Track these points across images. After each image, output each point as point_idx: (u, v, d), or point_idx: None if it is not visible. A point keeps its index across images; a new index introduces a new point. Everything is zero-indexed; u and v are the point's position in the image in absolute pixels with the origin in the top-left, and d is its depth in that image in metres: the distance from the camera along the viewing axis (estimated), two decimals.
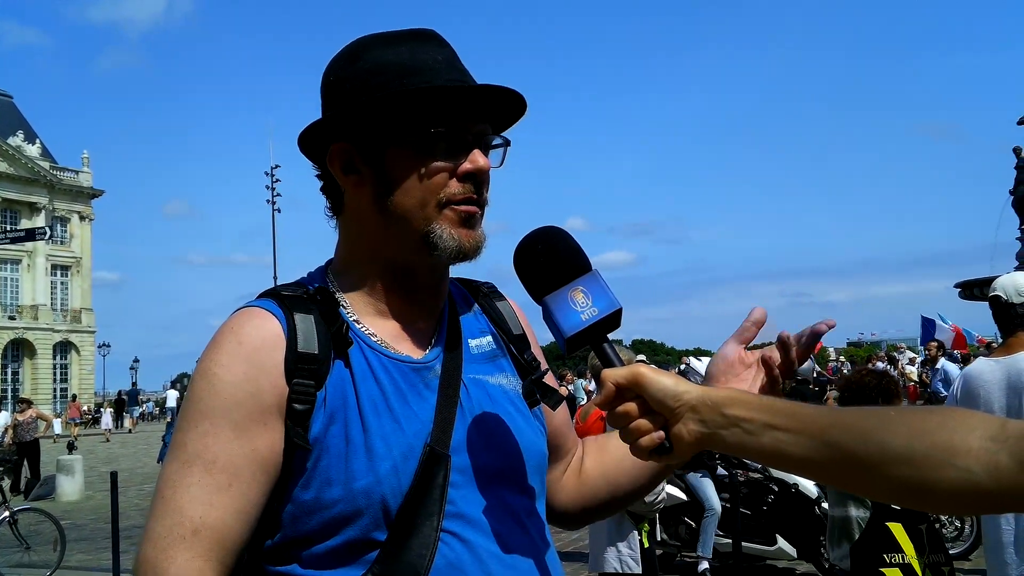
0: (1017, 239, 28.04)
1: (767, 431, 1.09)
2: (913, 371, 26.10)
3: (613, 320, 1.25)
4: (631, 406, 1.16)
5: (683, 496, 7.58)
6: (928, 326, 27.45)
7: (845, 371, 31.93)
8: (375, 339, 1.33)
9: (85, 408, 53.62)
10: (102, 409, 45.42)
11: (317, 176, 1.43)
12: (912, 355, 30.09)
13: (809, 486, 7.69)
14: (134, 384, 61.33)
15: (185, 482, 1.22)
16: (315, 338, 1.28)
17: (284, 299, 1.32)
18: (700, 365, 5.93)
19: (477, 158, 1.32)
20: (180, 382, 69.53)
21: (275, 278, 43.27)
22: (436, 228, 1.31)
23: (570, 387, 26.31)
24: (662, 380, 1.15)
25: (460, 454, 1.30)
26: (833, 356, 43.13)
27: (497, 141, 1.39)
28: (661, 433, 1.15)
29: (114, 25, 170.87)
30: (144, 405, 56.42)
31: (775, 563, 8.13)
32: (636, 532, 4.86)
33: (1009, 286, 4.01)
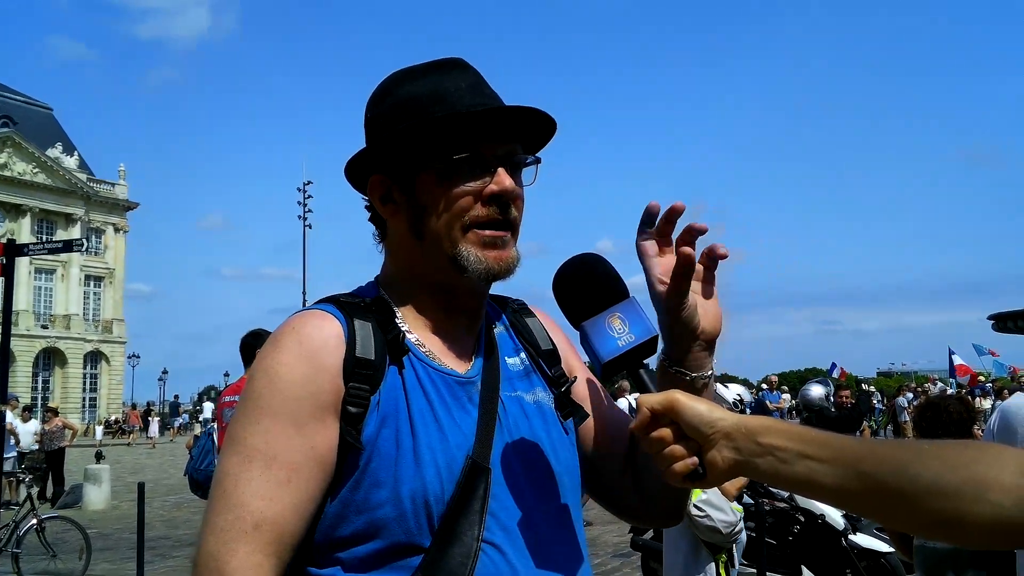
0: None
1: (801, 460, 1.10)
2: None
3: (649, 346, 1.27)
4: (666, 432, 1.17)
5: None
6: (952, 358, 27.20)
7: (875, 401, 31.57)
8: (423, 351, 1.38)
9: (113, 419, 54.21)
10: (149, 418, 45.91)
11: (366, 207, 1.49)
12: (943, 387, 29.72)
13: (836, 517, 7.60)
14: (176, 397, 62.16)
15: (246, 476, 1.24)
16: (372, 344, 1.32)
17: (344, 305, 1.37)
18: (726, 392, 5.91)
19: (502, 179, 1.35)
20: (208, 394, 70.16)
21: (304, 292, 43.58)
22: (462, 251, 1.35)
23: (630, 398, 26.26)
24: (697, 407, 1.16)
25: (498, 468, 1.33)
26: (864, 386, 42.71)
27: (527, 160, 1.42)
28: (695, 459, 1.16)
29: (160, 42, 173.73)
30: (182, 416, 56.94)
31: None
32: (714, 563, 4.81)
33: None
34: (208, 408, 43.13)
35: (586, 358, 1.34)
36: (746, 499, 7.79)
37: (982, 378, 27.97)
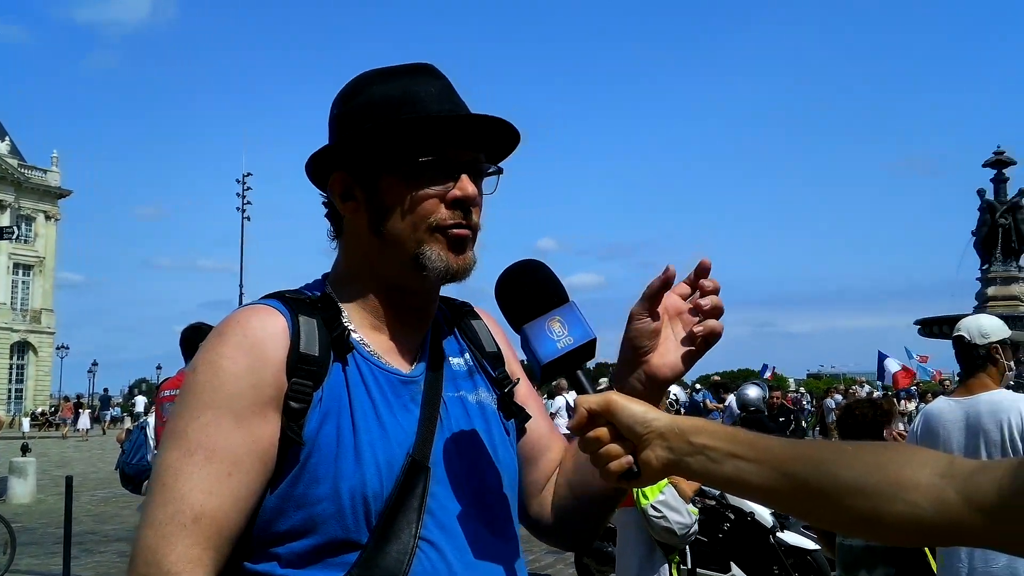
0: (977, 279, 28.67)
1: (730, 460, 1.15)
2: None
3: (588, 350, 1.31)
4: (602, 431, 1.21)
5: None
6: (881, 361, 27.90)
7: (805, 403, 32.25)
8: (368, 350, 1.39)
9: (40, 411, 52.77)
10: (80, 411, 44.77)
11: (323, 203, 1.50)
12: (870, 388, 30.51)
13: (765, 515, 7.77)
14: (106, 390, 60.65)
15: (187, 470, 1.24)
16: (316, 341, 1.33)
17: (289, 301, 1.38)
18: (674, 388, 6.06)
19: (466, 185, 1.38)
20: (139, 388, 68.69)
21: (241, 286, 42.94)
22: (426, 250, 1.37)
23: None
24: (632, 407, 1.20)
25: (438, 467, 1.35)
26: (793, 387, 43.57)
27: (489, 169, 1.45)
28: (630, 458, 1.20)
29: (98, 26, 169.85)
30: (114, 409, 55.64)
31: None
32: (667, 564, 4.89)
33: (973, 328, 4.12)
34: (140, 402, 42.27)
35: (524, 358, 1.37)
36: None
37: (917, 385, 28.75)
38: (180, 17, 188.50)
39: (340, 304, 1.42)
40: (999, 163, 28.41)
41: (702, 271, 1.37)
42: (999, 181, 28.39)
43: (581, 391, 1.27)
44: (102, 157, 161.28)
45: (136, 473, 6.40)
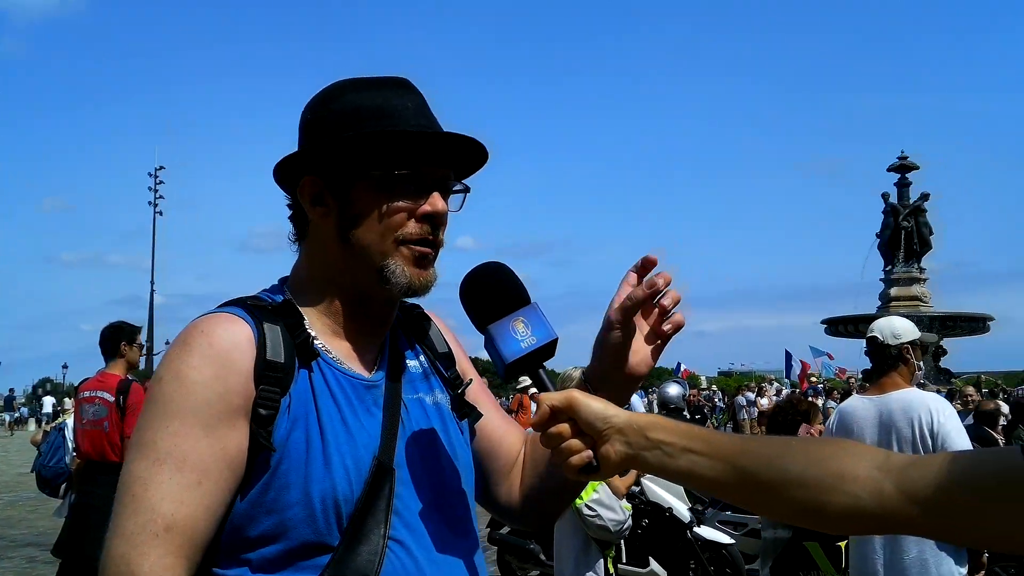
0: (881, 280, 29.81)
1: (685, 454, 1.23)
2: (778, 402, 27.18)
3: (549, 349, 1.37)
4: (564, 427, 1.27)
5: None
6: (789, 360, 28.79)
7: (717, 400, 32.99)
8: (331, 356, 1.42)
9: None
10: None
11: (287, 205, 1.51)
12: (779, 387, 31.37)
13: (682, 511, 7.96)
14: (11, 390, 58.32)
15: (156, 480, 1.25)
16: (282, 348, 1.35)
17: (252, 308, 1.39)
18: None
19: (436, 201, 1.42)
20: (44, 387, 66.29)
21: (152, 282, 41.77)
22: (391, 264, 1.40)
23: None
24: (593, 404, 1.27)
25: (402, 468, 1.40)
26: (705, 384, 44.51)
27: (457, 187, 1.49)
28: (590, 453, 1.26)
29: (3, 13, 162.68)
30: (20, 410, 53.45)
31: None
32: (603, 559, 5.00)
33: (886, 328, 4.32)
34: (48, 402, 40.75)
35: (487, 357, 1.42)
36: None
37: (814, 379, 29.68)
38: (91, 7, 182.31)
39: (301, 310, 1.44)
40: (903, 167, 29.60)
41: (648, 265, 1.44)
42: (902, 185, 29.58)
43: (543, 388, 1.33)
44: (7, 149, 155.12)
45: (53, 476, 6.23)
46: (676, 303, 1.44)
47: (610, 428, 1.26)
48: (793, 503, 1.18)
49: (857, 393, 4.64)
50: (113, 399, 5.83)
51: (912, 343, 4.30)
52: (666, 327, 1.45)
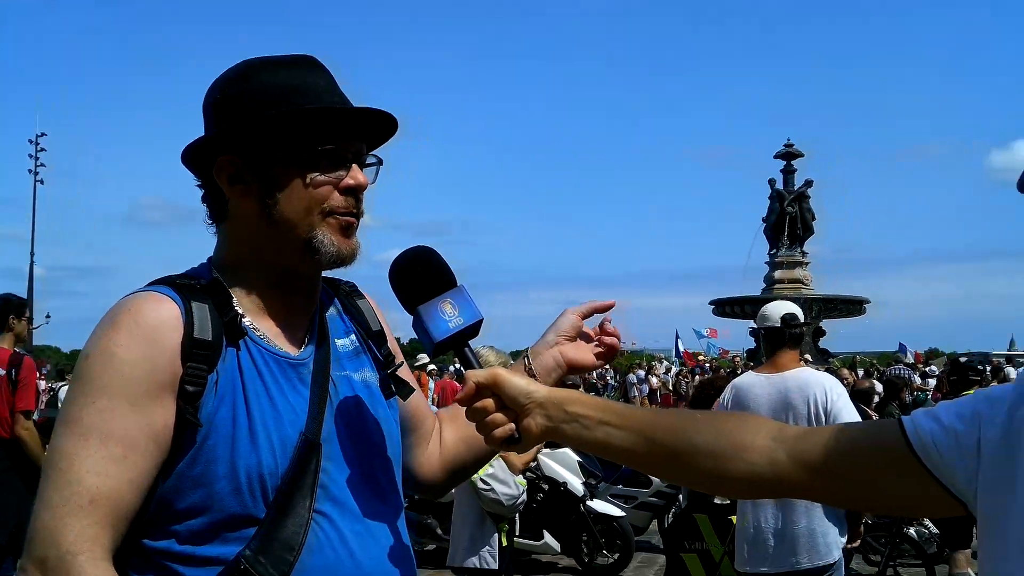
0: (766, 263, 30.85)
1: (600, 426, 1.33)
2: (668, 380, 28.04)
3: (475, 328, 1.45)
4: (488, 402, 1.35)
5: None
6: (678, 340, 29.66)
7: (609, 378, 33.70)
8: (258, 333, 1.45)
9: None
10: None
11: (199, 186, 1.52)
12: (668, 365, 32.23)
13: (577, 485, 8.19)
14: None
15: (82, 454, 1.28)
16: (209, 326, 1.38)
17: (180, 287, 1.41)
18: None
19: (358, 174, 1.47)
20: None
21: (32, 254, 39.77)
22: (318, 235, 1.44)
23: None
24: (516, 380, 1.36)
25: (330, 443, 1.45)
26: None
27: (371, 160, 1.54)
28: (512, 426, 1.35)
29: None
30: None
31: (539, 557, 8.58)
32: (497, 532, 5.12)
33: (780, 312, 4.62)
34: None
35: (414, 336, 1.49)
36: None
37: (701, 358, 30.63)
38: None
39: (229, 289, 1.46)
40: (788, 155, 30.56)
41: (604, 309, 1.69)
42: (788, 172, 30.55)
43: (469, 366, 1.41)
44: None
45: None
46: (616, 340, 1.68)
47: (531, 402, 1.34)
48: (698, 470, 1.30)
49: (751, 370, 4.88)
50: (4, 372, 5.67)
51: (802, 326, 4.62)
52: (599, 350, 1.68)
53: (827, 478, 1.24)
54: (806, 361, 5.21)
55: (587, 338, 1.67)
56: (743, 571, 4.46)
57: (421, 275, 1.47)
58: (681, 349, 29.15)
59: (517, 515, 5.39)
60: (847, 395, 4.43)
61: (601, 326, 1.67)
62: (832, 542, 4.24)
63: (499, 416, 1.35)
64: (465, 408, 1.39)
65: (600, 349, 1.67)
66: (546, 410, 1.34)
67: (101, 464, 1.28)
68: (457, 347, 1.45)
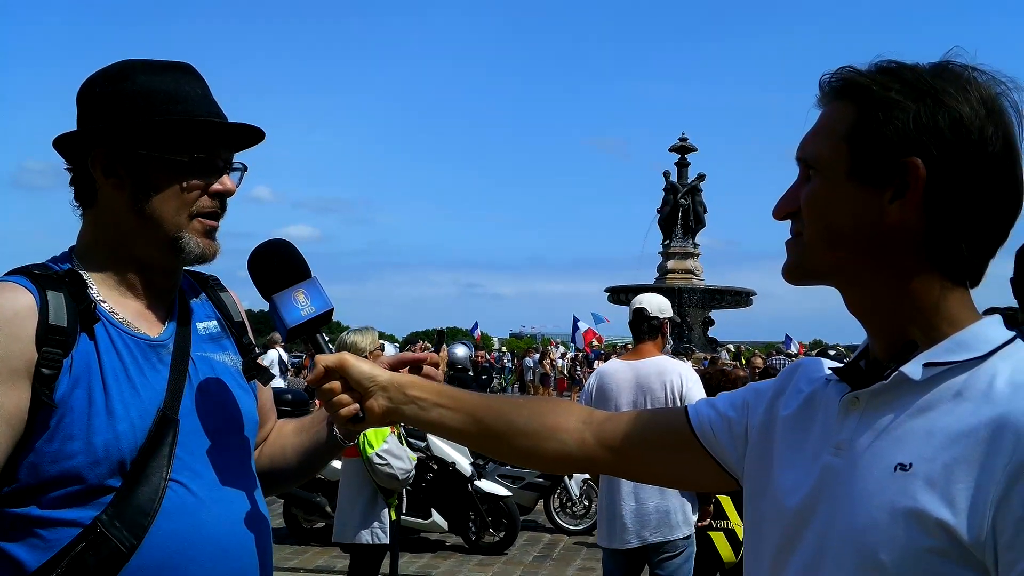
0: (659, 253, 31.58)
1: (435, 408, 1.48)
2: (563, 364, 28.49)
3: (326, 317, 1.58)
4: (335, 384, 1.48)
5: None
6: (575, 325, 30.08)
7: (507, 360, 33.98)
8: (117, 318, 1.56)
9: None
10: None
11: (67, 169, 1.62)
12: (564, 350, 32.65)
13: (465, 465, 8.34)
14: None
15: None
16: (64, 313, 1.48)
17: (36, 277, 1.51)
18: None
19: (227, 181, 1.61)
20: None
21: None
22: (185, 235, 1.57)
23: None
24: (361, 365, 1.49)
25: (188, 418, 1.57)
26: (497, 345, 45.66)
27: (238, 166, 1.67)
28: (357, 405, 1.48)
29: None
30: None
31: (428, 535, 8.74)
32: (387, 507, 5.24)
33: (653, 303, 4.87)
34: None
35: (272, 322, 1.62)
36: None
37: (596, 343, 31.15)
38: None
39: (88, 275, 1.57)
40: (683, 149, 31.28)
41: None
42: (682, 165, 31.29)
43: (319, 351, 1.55)
44: None
45: None
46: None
47: (375, 385, 1.48)
48: (518, 448, 1.47)
49: (616, 357, 5.15)
50: None
51: (669, 319, 4.91)
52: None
53: (625, 457, 1.42)
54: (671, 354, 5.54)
55: None
56: (602, 546, 4.75)
57: (277, 266, 1.59)
58: (582, 331, 29.52)
59: (405, 493, 5.53)
60: (700, 383, 4.76)
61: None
62: (682, 520, 4.56)
63: (345, 397, 1.48)
64: (316, 389, 1.53)
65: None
66: (388, 392, 1.48)
67: None
68: (309, 333, 1.58)
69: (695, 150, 31.38)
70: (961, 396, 1.04)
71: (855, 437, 1.11)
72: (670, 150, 31.42)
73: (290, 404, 10.35)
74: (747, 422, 1.32)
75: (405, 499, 6.03)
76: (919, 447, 1.03)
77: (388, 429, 4.99)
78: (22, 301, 1.46)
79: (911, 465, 1.03)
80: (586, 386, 5.04)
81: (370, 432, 4.93)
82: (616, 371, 4.82)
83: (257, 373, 1.74)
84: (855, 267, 1.13)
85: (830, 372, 1.23)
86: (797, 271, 1.21)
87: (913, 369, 1.07)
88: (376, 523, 5.21)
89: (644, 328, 4.82)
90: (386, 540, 5.23)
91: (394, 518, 5.30)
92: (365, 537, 5.19)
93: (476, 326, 38.12)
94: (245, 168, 1.68)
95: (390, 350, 7.55)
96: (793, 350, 26.69)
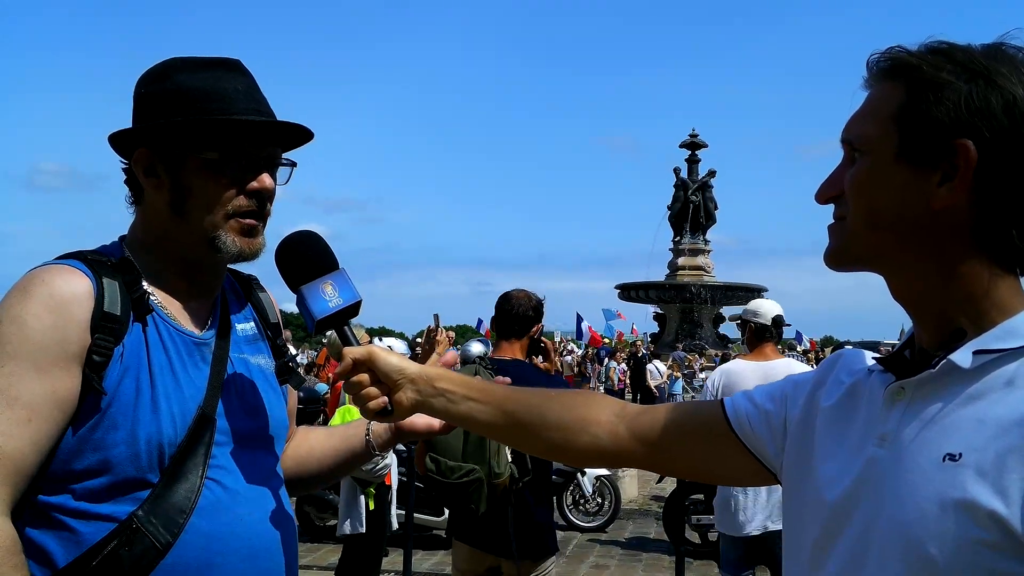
0: (670, 250, 31.51)
1: (465, 401, 1.46)
2: (570, 362, 28.41)
3: (354, 309, 1.57)
4: (364, 376, 1.47)
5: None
6: (580, 323, 30.02)
7: None
8: (166, 312, 1.56)
9: None
10: None
11: (123, 169, 1.62)
12: (573, 347, 32.60)
13: None
14: None
15: None
16: (119, 301, 1.48)
17: (92, 263, 1.51)
18: (398, 344, 6.74)
19: (264, 179, 1.58)
20: None
21: None
22: (221, 235, 1.56)
23: None
24: (390, 358, 1.48)
25: (224, 418, 1.57)
26: None
27: (284, 162, 1.65)
28: (385, 398, 1.47)
29: None
30: None
31: (440, 532, 8.72)
32: (364, 496, 5.39)
33: (763, 309, 5.10)
34: None
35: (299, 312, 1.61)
36: (400, 447, 8.34)
37: (606, 341, 31.09)
38: None
39: (139, 268, 1.56)
40: (693, 145, 31.19)
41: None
42: (692, 161, 31.20)
43: (347, 343, 1.53)
44: None
45: None
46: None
47: (403, 378, 1.47)
48: (548, 442, 1.45)
49: (739, 358, 5.35)
50: None
51: (776, 320, 5.09)
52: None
53: (660, 451, 1.40)
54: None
55: None
56: (721, 532, 5.08)
57: (304, 257, 1.58)
58: (585, 329, 29.46)
59: (414, 490, 5.60)
60: None
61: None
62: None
63: (373, 390, 1.47)
64: (343, 381, 1.52)
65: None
66: (416, 385, 1.46)
67: (6, 425, 1.37)
68: (337, 325, 1.56)
69: (705, 146, 31.30)
70: (1013, 384, 1.01)
71: (900, 428, 1.08)
72: (680, 146, 31.34)
73: (301, 402, 10.33)
74: (786, 415, 1.30)
75: (394, 491, 6.06)
76: (969, 437, 1.01)
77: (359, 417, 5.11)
78: (80, 285, 1.46)
79: (960, 455, 1.00)
80: (709, 382, 5.21)
81: (337, 420, 5.12)
82: (744, 371, 4.98)
83: (290, 377, 1.75)
84: (900, 252, 1.11)
85: (873, 362, 1.20)
86: (840, 256, 1.17)
87: (962, 357, 1.04)
88: (355, 513, 5.49)
89: (760, 333, 5.05)
90: (362, 529, 5.44)
91: (372, 507, 5.47)
92: (346, 528, 5.45)
93: (480, 323, 38.07)
94: (294, 165, 1.66)
95: (401, 348, 7.55)
96: (805, 346, 26.59)
